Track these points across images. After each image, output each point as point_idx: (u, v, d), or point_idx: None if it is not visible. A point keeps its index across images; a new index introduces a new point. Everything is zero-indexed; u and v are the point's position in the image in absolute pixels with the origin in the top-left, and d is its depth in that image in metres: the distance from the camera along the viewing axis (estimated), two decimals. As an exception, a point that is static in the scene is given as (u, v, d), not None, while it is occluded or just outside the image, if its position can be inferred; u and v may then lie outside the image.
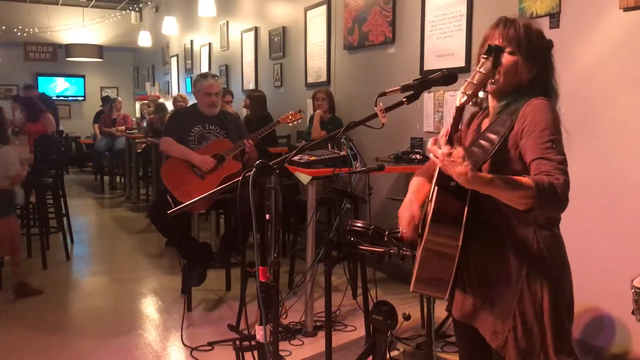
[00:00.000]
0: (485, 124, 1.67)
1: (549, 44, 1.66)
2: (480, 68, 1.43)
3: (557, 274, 1.60)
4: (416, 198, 1.76)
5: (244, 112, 6.58)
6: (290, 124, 4.26)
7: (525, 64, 1.60)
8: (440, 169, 1.47)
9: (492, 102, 1.68)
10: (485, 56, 1.44)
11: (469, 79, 1.44)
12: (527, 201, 1.39)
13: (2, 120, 4.39)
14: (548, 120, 1.51)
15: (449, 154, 1.38)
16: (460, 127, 1.46)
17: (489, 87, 1.59)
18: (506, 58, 1.59)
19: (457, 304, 1.73)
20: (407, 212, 1.74)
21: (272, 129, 4.20)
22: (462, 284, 1.68)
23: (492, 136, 1.57)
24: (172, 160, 3.89)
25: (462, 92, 1.43)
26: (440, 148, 1.40)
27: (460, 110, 1.44)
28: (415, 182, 1.83)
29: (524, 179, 1.41)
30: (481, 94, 1.45)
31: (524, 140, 1.51)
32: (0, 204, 3.97)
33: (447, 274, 1.57)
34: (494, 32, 1.64)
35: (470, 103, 1.44)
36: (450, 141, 1.41)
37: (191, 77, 9.57)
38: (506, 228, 1.59)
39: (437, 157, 1.41)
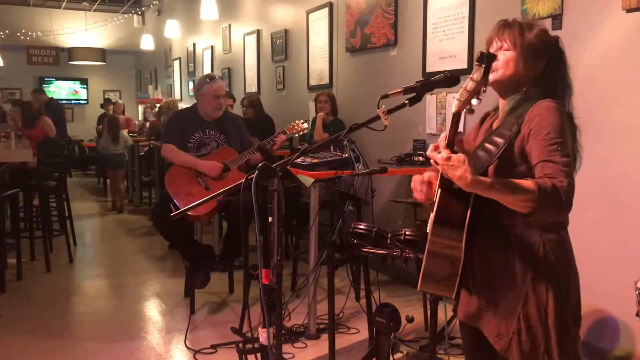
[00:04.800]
0: (496, 124, 1.68)
1: (552, 40, 1.65)
2: (473, 76, 1.43)
3: (563, 277, 1.59)
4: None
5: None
6: (296, 134, 4.24)
7: (526, 60, 1.60)
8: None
9: (500, 102, 1.69)
10: (477, 63, 1.44)
11: (463, 85, 1.44)
12: (528, 204, 1.39)
13: (116, 119, 7.92)
14: (554, 123, 1.50)
15: (449, 158, 1.38)
16: (459, 131, 1.46)
17: (482, 95, 1.59)
18: (503, 54, 1.61)
19: (462, 305, 1.73)
20: (419, 177, 1.72)
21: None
22: (467, 285, 1.68)
23: (498, 139, 1.57)
24: (176, 168, 3.84)
25: (457, 99, 1.43)
26: (439, 153, 1.41)
27: (456, 116, 1.45)
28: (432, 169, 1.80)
29: (526, 182, 1.40)
30: (474, 102, 1.45)
31: (530, 143, 1.51)
32: (118, 161, 7.71)
33: (453, 274, 1.57)
34: (492, 35, 1.66)
35: (465, 110, 1.44)
36: (450, 145, 1.42)
37: (194, 80, 9.58)
38: (512, 230, 1.59)
39: (437, 162, 1.41)
